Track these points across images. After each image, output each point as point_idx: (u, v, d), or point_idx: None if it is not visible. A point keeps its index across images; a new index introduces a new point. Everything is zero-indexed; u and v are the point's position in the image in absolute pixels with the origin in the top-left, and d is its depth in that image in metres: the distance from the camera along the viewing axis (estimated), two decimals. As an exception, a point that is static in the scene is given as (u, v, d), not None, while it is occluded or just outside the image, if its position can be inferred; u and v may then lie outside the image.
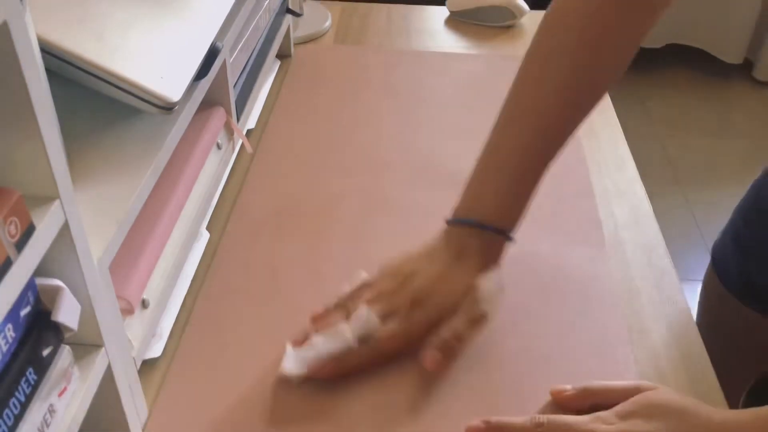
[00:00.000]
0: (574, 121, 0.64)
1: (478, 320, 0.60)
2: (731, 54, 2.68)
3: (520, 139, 0.63)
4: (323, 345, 0.58)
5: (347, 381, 0.59)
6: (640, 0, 0.60)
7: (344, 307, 0.61)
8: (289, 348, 0.59)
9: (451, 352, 0.58)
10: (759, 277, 0.79)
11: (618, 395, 0.54)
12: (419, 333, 0.59)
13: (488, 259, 0.63)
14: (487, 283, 0.60)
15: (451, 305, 0.59)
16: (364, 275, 0.64)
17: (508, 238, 0.63)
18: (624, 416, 0.52)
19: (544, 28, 0.64)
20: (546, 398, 0.59)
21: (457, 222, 0.64)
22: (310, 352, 0.58)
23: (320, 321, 0.61)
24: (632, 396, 0.53)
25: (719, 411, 0.52)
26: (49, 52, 0.51)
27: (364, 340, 0.58)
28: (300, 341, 0.60)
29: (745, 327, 0.83)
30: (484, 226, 0.62)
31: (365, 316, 0.58)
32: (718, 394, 0.60)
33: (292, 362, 0.58)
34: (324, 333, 0.59)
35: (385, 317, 0.59)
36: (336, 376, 0.58)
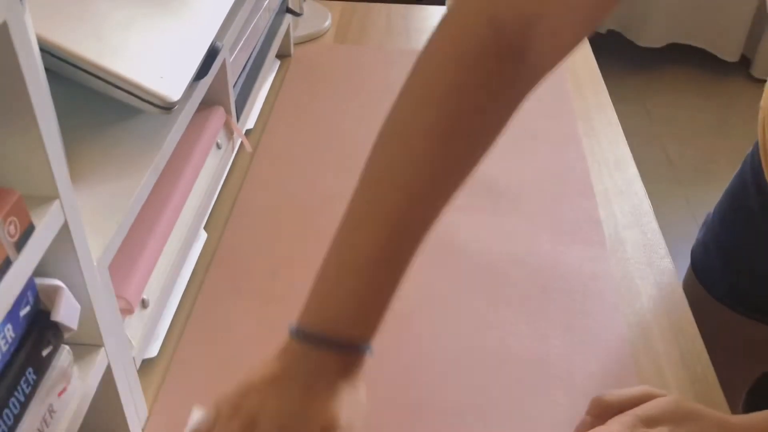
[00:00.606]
0: (441, 200, 0.52)
1: None
2: (729, 52, 2.68)
3: (376, 236, 0.50)
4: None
5: (347, 381, 0.59)
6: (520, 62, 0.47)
7: None
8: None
9: None
10: (740, 279, 0.79)
11: (632, 404, 0.53)
12: None
13: (348, 380, 0.50)
14: (348, 412, 0.49)
15: None
16: (199, 416, 0.50)
17: (367, 351, 0.50)
18: (651, 423, 0.50)
19: (408, 87, 0.50)
20: (546, 398, 0.59)
21: (307, 336, 0.50)
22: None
23: None
24: (645, 401, 0.52)
25: (733, 416, 0.51)
26: (49, 52, 0.51)
27: None
28: None
29: (729, 329, 0.83)
30: (342, 345, 0.49)
31: None
32: (718, 394, 0.60)
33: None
34: None
35: None
36: None
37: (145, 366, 0.60)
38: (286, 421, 0.48)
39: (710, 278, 0.82)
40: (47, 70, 0.43)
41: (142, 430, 0.56)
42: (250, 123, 0.88)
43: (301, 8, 1.03)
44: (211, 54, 0.62)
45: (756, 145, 0.78)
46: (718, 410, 0.58)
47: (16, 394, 0.39)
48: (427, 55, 0.48)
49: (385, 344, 0.63)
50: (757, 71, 2.70)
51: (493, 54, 0.46)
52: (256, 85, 0.86)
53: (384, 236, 0.49)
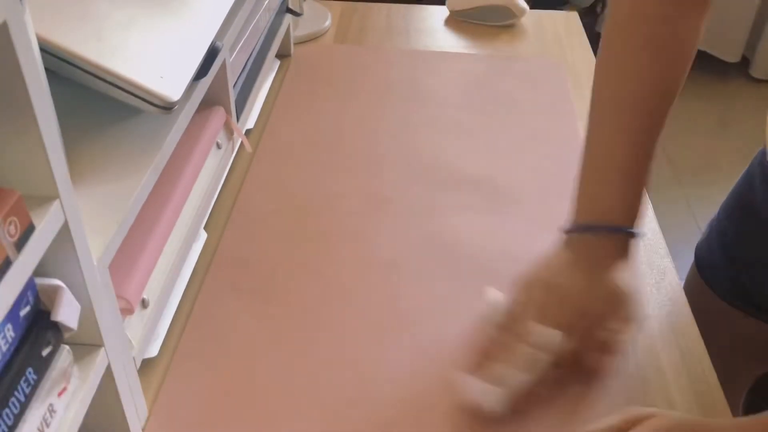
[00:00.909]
0: (664, 107, 0.64)
1: (630, 321, 0.60)
2: (729, 52, 2.68)
3: (625, 135, 0.62)
4: (517, 376, 0.57)
5: (346, 381, 0.59)
6: None
7: (510, 330, 0.58)
8: (478, 383, 0.57)
9: (611, 350, 0.60)
10: (743, 276, 0.79)
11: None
12: (595, 336, 0.59)
13: (625, 261, 0.61)
14: (630, 285, 0.60)
15: (610, 314, 0.59)
16: (497, 294, 0.62)
17: (637, 236, 0.62)
18: None
19: (615, 23, 0.65)
20: (545, 398, 0.59)
21: (587, 228, 0.61)
22: (507, 384, 0.56)
23: (494, 352, 0.58)
24: (630, 425, 0.51)
25: (727, 420, 0.51)
26: (49, 52, 0.51)
27: (546, 354, 0.57)
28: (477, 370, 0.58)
29: (732, 327, 0.83)
30: (616, 229, 0.61)
31: (546, 332, 0.56)
32: (719, 394, 0.60)
33: (492, 398, 0.56)
34: (513, 363, 0.57)
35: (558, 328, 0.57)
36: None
37: (145, 366, 0.60)
38: (577, 298, 0.59)
39: (714, 276, 0.82)
40: (47, 70, 0.43)
41: (142, 430, 0.56)
42: (250, 123, 0.88)
43: (301, 8, 1.03)
44: (211, 54, 0.62)
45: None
46: (718, 410, 0.58)
47: (16, 394, 0.39)
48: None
49: (384, 344, 0.63)
50: (757, 72, 2.70)
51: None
52: (256, 85, 0.86)
53: (632, 144, 0.62)
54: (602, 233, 0.61)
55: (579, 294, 0.59)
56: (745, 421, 0.51)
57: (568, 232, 0.62)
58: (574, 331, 0.58)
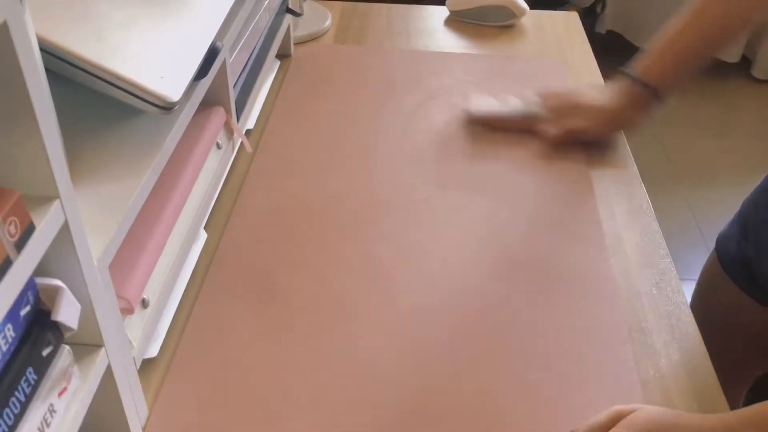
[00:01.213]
0: (736, 27, 0.82)
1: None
2: (729, 53, 2.68)
3: (698, 28, 0.81)
4: (500, 107, 0.89)
5: (347, 380, 0.59)
6: None
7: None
8: (481, 97, 0.91)
9: (561, 136, 0.86)
10: (759, 263, 0.79)
11: (605, 429, 0.53)
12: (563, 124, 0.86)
13: (640, 111, 0.85)
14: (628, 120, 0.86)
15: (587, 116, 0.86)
16: (483, 98, 0.92)
17: (659, 98, 0.83)
18: None
19: None
20: (545, 398, 0.59)
21: (628, 74, 0.85)
22: (489, 106, 0.89)
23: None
24: (616, 423, 0.53)
25: (707, 417, 0.51)
26: (49, 52, 0.51)
27: (528, 114, 0.88)
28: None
29: (744, 315, 0.83)
30: (647, 86, 0.83)
31: (534, 100, 0.88)
32: (718, 394, 0.60)
33: (476, 106, 0.89)
34: (503, 102, 0.89)
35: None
36: (502, 130, 0.88)
37: (145, 366, 0.60)
38: (587, 100, 0.88)
39: (732, 264, 0.83)
40: (47, 70, 0.43)
41: (142, 430, 0.56)
42: (250, 123, 0.88)
43: (301, 8, 1.03)
44: (211, 54, 0.62)
45: None
46: (718, 410, 0.58)
47: (16, 393, 0.39)
48: None
49: (384, 344, 0.63)
50: (757, 72, 2.70)
51: None
52: (256, 85, 0.86)
53: (699, 37, 0.83)
54: (638, 83, 0.84)
55: (583, 97, 0.87)
56: (728, 416, 0.51)
57: (623, 72, 0.85)
58: (557, 111, 0.87)
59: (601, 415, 0.54)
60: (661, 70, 0.84)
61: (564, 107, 0.87)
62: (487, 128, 0.88)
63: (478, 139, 0.87)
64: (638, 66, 0.85)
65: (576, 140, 0.86)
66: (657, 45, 0.84)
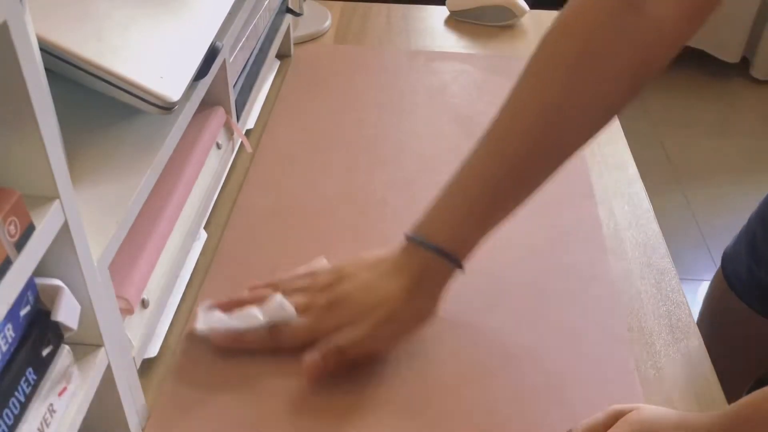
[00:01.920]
0: (545, 168, 0.60)
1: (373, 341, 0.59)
2: (729, 53, 2.68)
3: (492, 171, 0.59)
4: (233, 321, 0.60)
5: (347, 380, 0.59)
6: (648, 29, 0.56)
7: (277, 287, 0.62)
8: (202, 309, 0.62)
9: (330, 362, 0.58)
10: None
11: (604, 428, 0.53)
12: (325, 334, 0.58)
13: (440, 286, 0.61)
14: (418, 311, 0.61)
15: (363, 316, 0.58)
16: (321, 263, 0.66)
17: (459, 267, 0.60)
18: None
19: (547, 36, 0.60)
20: (544, 399, 0.59)
21: (415, 241, 0.60)
22: (219, 323, 0.61)
23: (252, 291, 0.63)
24: (614, 422, 0.53)
25: (704, 416, 0.51)
26: (49, 52, 0.51)
27: (274, 326, 0.60)
28: (223, 304, 0.62)
29: (753, 333, 0.83)
30: (444, 253, 0.59)
31: (279, 304, 0.60)
32: (719, 394, 0.60)
33: (202, 323, 0.61)
34: (239, 312, 0.60)
35: (303, 311, 0.60)
36: (235, 350, 0.61)
37: (145, 366, 0.60)
38: (363, 288, 0.59)
39: (737, 278, 0.82)
40: (47, 70, 0.43)
41: (142, 430, 0.56)
42: (250, 123, 0.88)
43: (301, 8, 1.03)
44: (211, 54, 0.62)
45: None
46: (717, 410, 0.58)
47: (16, 394, 0.39)
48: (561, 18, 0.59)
49: (385, 344, 0.63)
50: (757, 72, 2.70)
51: (616, 8, 0.55)
52: (256, 85, 0.86)
53: (500, 171, 0.59)
54: (431, 252, 0.59)
55: (352, 288, 0.60)
56: (726, 413, 0.50)
57: (406, 237, 0.61)
58: (313, 316, 0.60)
59: (600, 415, 0.54)
60: (465, 240, 0.61)
61: (331, 305, 0.60)
62: (224, 349, 0.61)
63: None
64: (434, 231, 0.60)
65: (351, 360, 0.59)
66: (448, 197, 0.62)
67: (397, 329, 0.60)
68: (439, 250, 0.59)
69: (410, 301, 0.59)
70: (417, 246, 0.60)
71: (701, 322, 0.89)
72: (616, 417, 0.53)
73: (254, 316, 0.59)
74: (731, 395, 0.62)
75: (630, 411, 0.53)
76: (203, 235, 0.72)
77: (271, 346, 0.60)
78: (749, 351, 0.85)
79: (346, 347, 0.58)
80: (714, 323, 0.88)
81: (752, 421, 0.48)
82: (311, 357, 0.57)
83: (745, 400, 0.49)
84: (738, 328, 0.84)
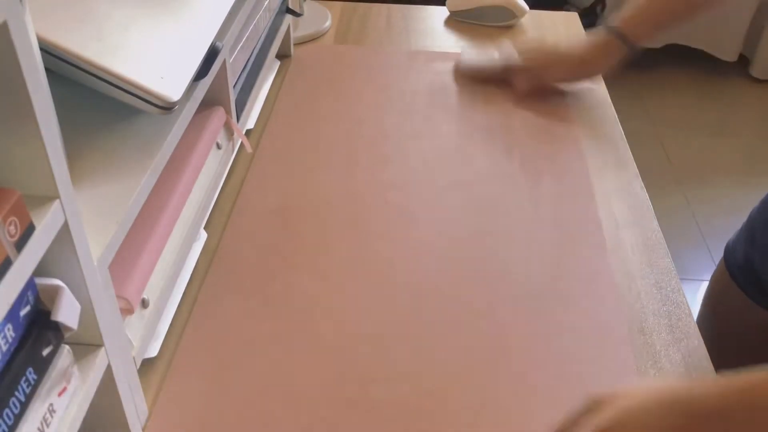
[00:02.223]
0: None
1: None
2: (727, 52, 2.68)
3: None
4: (491, 58, 0.99)
5: (347, 380, 0.59)
6: None
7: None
8: (469, 51, 1.04)
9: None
10: (765, 267, 0.79)
11: (584, 419, 0.52)
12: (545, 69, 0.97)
13: (611, 59, 0.92)
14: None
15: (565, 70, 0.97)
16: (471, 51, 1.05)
17: (631, 47, 0.91)
18: None
19: None
20: (545, 399, 0.59)
21: (606, 25, 0.93)
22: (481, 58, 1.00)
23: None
24: (594, 409, 0.52)
25: (694, 397, 0.50)
26: (49, 52, 0.51)
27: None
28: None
29: (752, 323, 0.83)
30: (614, 29, 0.91)
31: (513, 53, 0.97)
32: (718, 393, 0.60)
33: (469, 57, 1.01)
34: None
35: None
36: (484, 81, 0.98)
37: (145, 366, 0.60)
38: (556, 51, 0.98)
39: (738, 271, 0.83)
40: (47, 70, 0.43)
41: (142, 430, 0.56)
42: (250, 123, 0.88)
43: (301, 8, 1.03)
44: (211, 54, 0.62)
45: None
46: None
47: (16, 393, 0.39)
48: None
49: (384, 344, 0.63)
50: (756, 71, 2.70)
51: None
52: (256, 85, 0.86)
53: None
54: (615, 34, 0.91)
55: (558, 47, 0.96)
56: (722, 390, 0.50)
57: (604, 24, 0.93)
58: (532, 62, 0.97)
59: (581, 405, 0.53)
60: (639, 24, 0.91)
61: (540, 58, 0.97)
62: (474, 80, 0.99)
63: (469, 91, 0.98)
64: (617, 19, 0.92)
65: (547, 89, 0.96)
66: (638, 1, 0.92)
67: (578, 75, 0.99)
68: (615, 30, 0.92)
69: (592, 60, 0.95)
70: (607, 30, 0.93)
71: (702, 318, 0.90)
72: (594, 404, 0.52)
73: (497, 57, 1.01)
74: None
75: (609, 397, 0.52)
76: (203, 235, 0.72)
77: (502, 77, 1.00)
78: (751, 344, 0.85)
79: (543, 82, 0.98)
80: (715, 317, 0.88)
81: (755, 407, 0.47)
82: (523, 84, 0.97)
83: (741, 381, 0.49)
84: (737, 318, 0.85)
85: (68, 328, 0.44)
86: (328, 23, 1.13)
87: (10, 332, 0.39)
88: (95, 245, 0.46)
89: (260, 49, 0.86)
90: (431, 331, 0.65)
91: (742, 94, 2.68)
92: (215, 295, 0.67)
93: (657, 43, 2.72)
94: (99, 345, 0.48)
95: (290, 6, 0.99)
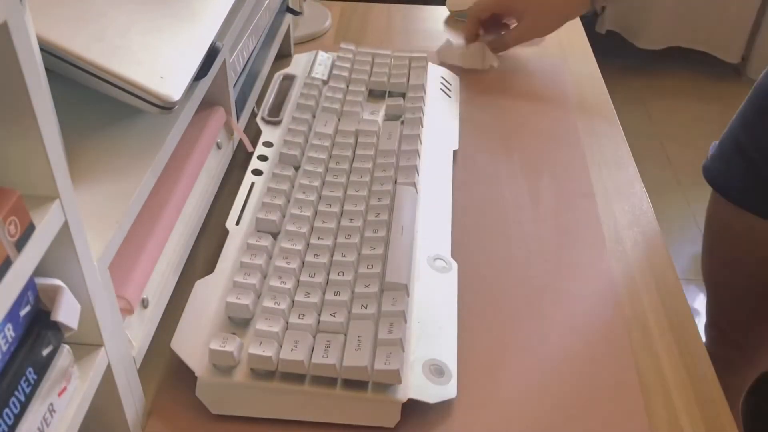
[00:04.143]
0: None
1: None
2: (729, 54, 2.68)
3: None
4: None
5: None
6: None
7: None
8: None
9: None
10: (763, 181, 0.79)
11: None
12: None
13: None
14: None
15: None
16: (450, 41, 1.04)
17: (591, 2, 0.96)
18: None
19: None
20: (544, 399, 0.59)
21: None
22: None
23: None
24: None
25: None
26: (49, 52, 0.51)
27: None
28: None
29: (750, 236, 0.83)
30: None
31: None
32: (719, 393, 0.60)
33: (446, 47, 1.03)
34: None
35: None
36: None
37: (145, 366, 0.60)
38: None
39: (729, 185, 0.83)
40: (47, 70, 0.43)
41: (142, 430, 0.56)
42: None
43: (301, 7, 1.03)
44: (211, 54, 0.62)
45: None
46: (718, 409, 0.58)
47: (16, 393, 0.39)
48: None
49: (385, 344, 0.63)
50: (757, 73, 2.70)
51: None
52: (256, 85, 0.86)
53: None
54: None
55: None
56: None
57: None
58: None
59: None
60: None
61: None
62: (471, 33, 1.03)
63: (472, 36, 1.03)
64: None
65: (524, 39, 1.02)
66: None
67: (555, 21, 1.00)
68: None
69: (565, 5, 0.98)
70: None
71: (703, 257, 0.91)
72: None
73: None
74: (731, 395, 0.62)
75: None
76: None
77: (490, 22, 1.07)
78: (756, 267, 0.85)
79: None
80: (717, 245, 0.89)
81: None
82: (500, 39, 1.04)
83: None
84: (738, 237, 0.85)
85: (68, 328, 0.44)
86: (328, 23, 1.13)
87: (10, 332, 0.39)
88: (95, 245, 0.46)
89: (260, 49, 0.86)
90: (431, 331, 0.64)
91: (743, 95, 2.68)
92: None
93: (658, 45, 2.72)
94: (99, 345, 0.48)
95: (290, 6, 0.99)
